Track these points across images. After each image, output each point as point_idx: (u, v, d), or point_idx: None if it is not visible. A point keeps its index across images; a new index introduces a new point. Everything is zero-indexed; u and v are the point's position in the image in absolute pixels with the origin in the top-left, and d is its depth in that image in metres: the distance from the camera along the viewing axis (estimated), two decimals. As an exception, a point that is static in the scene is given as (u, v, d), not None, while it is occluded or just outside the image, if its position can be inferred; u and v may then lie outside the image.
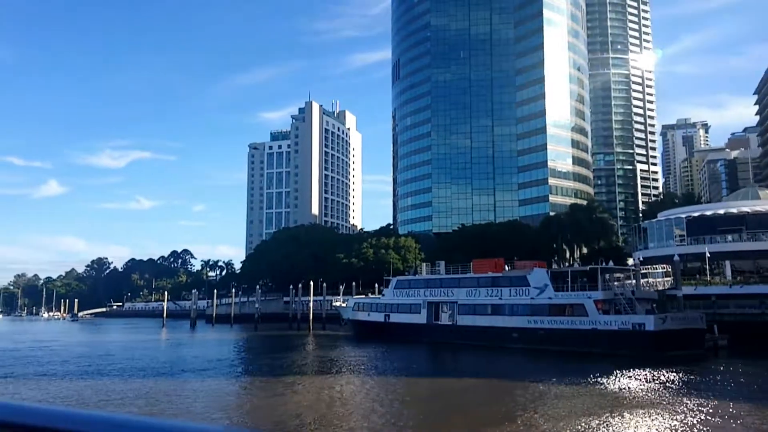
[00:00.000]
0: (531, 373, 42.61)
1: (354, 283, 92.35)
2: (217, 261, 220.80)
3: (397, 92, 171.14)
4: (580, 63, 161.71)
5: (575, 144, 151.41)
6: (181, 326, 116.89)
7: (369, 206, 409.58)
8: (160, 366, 46.02)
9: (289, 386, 35.80)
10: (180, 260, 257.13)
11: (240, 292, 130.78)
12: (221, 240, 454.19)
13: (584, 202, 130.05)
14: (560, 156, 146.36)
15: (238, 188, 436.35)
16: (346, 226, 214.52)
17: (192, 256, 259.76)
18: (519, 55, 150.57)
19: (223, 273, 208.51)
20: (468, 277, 63.59)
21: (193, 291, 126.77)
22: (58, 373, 39.99)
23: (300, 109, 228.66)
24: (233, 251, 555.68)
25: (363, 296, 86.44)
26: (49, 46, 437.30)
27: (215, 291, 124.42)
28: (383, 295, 72.90)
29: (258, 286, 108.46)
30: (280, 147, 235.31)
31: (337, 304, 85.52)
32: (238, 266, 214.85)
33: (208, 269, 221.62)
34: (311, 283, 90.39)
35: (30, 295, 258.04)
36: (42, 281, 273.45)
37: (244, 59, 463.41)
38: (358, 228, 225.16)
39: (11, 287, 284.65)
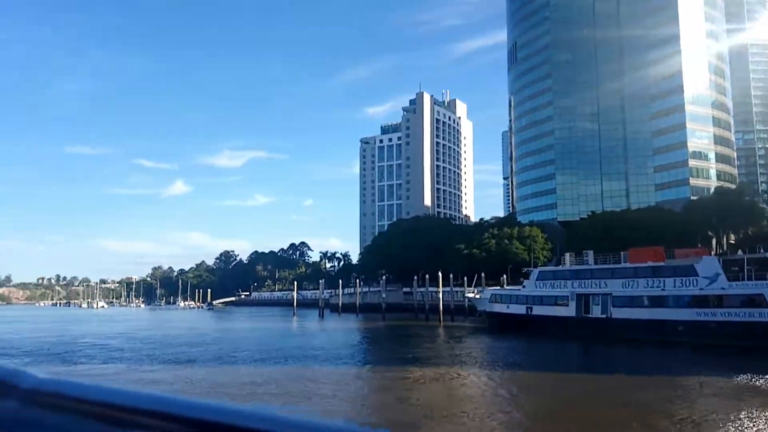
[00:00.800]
0: (711, 369, 38.51)
1: (483, 275, 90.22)
2: (334, 253, 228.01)
3: (514, 77, 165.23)
4: (718, 33, 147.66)
5: (716, 122, 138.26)
6: (307, 315, 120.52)
7: (478, 196, 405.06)
8: (306, 353, 46.75)
9: (428, 378, 34.59)
10: (298, 252, 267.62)
11: (361, 283, 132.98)
12: (330, 233, 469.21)
13: (729, 185, 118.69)
14: (700, 135, 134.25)
15: (344, 182, 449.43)
16: (458, 217, 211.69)
17: (309, 248, 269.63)
18: (650, 28, 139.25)
19: (340, 264, 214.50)
20: (624, 267, 59.31)
21: (321, 281, 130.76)
22: (236, 360, 41.71)
23: (411, 100, 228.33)
24: (340, 243, 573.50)
25: (498, 287, 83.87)
26: (170, 54, 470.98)
27: (340, 281, 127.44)
28: (524, 286, 70.08)
29: (384, 277, 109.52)
30: (390, 140, 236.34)
31: (470, 295, 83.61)
32: (352, 258, 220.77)
33: (326, 261, 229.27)
34: (440, 274, 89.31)
35: (166, 286, 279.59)
36: (176, 273, 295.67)
37: (348, 57, 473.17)
38: (471, 218, 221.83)
39: (149, 279, 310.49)
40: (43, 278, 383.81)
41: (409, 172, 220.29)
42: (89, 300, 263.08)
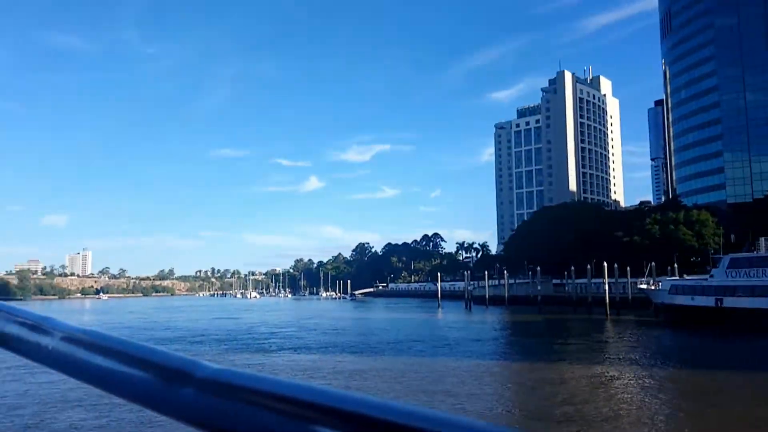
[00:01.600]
0: None
1: (653, 264, 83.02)
2: (472, 243, 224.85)
3: (668, 47, 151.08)
4: None
5: None
6: (450, 306, 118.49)
7: (625, 179, 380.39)
8: (485, 348, 44.96)
9: (614, 382, 30.98)
10: (431, 243, 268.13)
11: (507, 274, 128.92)
12: (459, 223, 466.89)
13: None
14: None
15: (471, 171, 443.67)
16: (607, 202, 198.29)
17: (442, 239, 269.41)
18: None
19: (477, 255, 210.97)
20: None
21: (466, 272, 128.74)
22: (422, 353, 41.14)
23: (550, 80, 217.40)
24: (469, 234, 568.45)
25: (676, 278, 76.69)
26: (299, 56, 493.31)
27: (486, 272, 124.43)
28: (711, 275, 63.15)
29: (536, 268, 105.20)
30: (528, 123, 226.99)
31: (644, 286, 77.14)
32: (491, 248, 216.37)
33: (462, 251, 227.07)
34: (604, 264, 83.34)
35: (307, 277, 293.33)
36: (315, 264, 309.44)
37: (468, 45, 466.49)
38: (621, 203, 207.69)
39: (292, 270, 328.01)
40: (200, 271, 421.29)
41: (551, 156, 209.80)
42: (242, 291, 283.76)
